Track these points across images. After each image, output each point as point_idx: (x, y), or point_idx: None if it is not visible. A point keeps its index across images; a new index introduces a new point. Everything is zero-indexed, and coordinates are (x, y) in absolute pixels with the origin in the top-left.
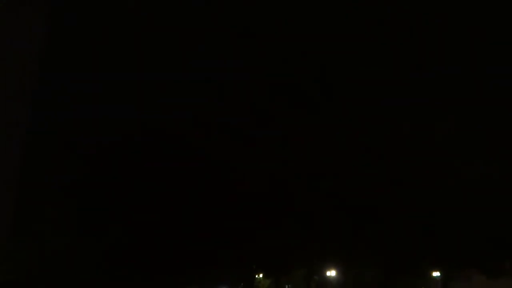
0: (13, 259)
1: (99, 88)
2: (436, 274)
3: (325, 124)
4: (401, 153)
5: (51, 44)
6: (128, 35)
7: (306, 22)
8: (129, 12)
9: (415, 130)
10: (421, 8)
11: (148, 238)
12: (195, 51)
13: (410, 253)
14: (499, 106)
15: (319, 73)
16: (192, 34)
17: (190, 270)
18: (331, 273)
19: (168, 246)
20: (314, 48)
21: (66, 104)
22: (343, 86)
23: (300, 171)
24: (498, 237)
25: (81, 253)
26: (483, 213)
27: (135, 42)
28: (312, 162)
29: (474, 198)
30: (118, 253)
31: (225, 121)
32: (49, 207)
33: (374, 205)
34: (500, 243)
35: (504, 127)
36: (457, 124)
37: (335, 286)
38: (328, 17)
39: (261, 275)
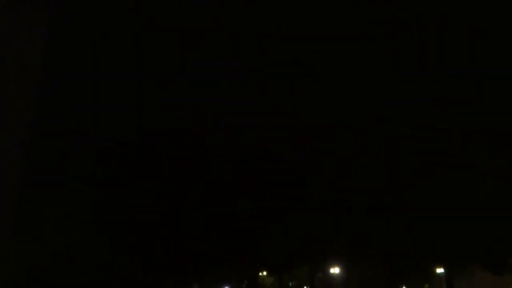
0: (16, 259)
1: (101, 87)
2: (440, 270)
3: (328, 124)
4: (405, 151)
5: (52, 44)
6: (128, 35)
7: (306, 22)
8: (129, 12)
9: (418, 128)
10: (421, 8)
11: (152, 237)
12: (194, 51)
13: (414, 250)
14: (500, 105)
15: (322, 72)
16: (192, 34)
17: (195, 268)
18: (335, 270)
19: (173, 245)
20: (314, 47)
21: (67, 104)
22: (343, 85)
23: (303, 170)
24: (501, 233)
25: (83, 253)
26: (487, 210)
27: (135, 42)
28: (315, 161)
29: (478, 195)
30: (122, 253)
31: (231, 122)
32: (51, 207)
33: (378, 203)
34: (504, 239)
35: (506, 126)
36: (459, 122)
37: (338, 283)
38: (328, 17)
39: (264, 273)
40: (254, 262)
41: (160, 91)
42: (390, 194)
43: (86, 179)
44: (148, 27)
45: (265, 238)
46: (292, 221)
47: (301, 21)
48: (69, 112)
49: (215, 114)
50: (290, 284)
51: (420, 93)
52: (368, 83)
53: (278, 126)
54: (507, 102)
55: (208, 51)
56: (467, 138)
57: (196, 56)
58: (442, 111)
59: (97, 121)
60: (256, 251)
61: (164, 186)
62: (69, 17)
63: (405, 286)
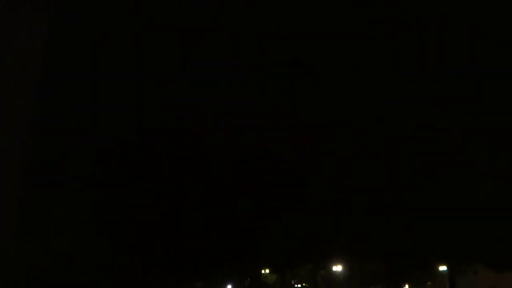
0: (18, 259)
1: (100, 87)
2: (442, 268)
3: (328, 124)
4: (406, 150)
5: (52, 44)
6: (128, 35)
7: (305, 22)
8: (129, 12)
9: (418, 128)
10: (421, 8)
11: (153, 236)
12: (194, 51)
13: (416, 248)
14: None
15: (322, 72)
16: (192, 34)
17: (197, 266)
18: (337, 268)
19: (174, 244)
20: (314, 48)
21: (67, 104)
22: (343, 85)
23: (303, 169)
24: (505, 231)
25: (85, 253)
26: (490, 208)
27: (135, 42)
28: (316, 161)
29: (480, 192)
30: (123, 252)
31: (231, 122)
32: (54, 207)
33: (379, 202)
34: (507, 237)
35: (506, 126)
36: (460, 122)
37: (341, 281)
38: (328, 17)
39: (267, 271)
40: (256, 260)
41: (160, 91)
42: (391, 193)
43: (86, 179)
44: (148, 27)
45: (266, 237)
46: (293, 220)
47: (301, 21)
48: (69, 112)
49: (215, 114)
50: (293, 282)
51: (420, 93)
52: (368, 83)
53: (278, 126)
54: (507, 102)
55: (208, 51)
56: (468, 138)
57: (196, 56)
58: (443, 111)
59: (97, 121)
60: (258, 249)
61: (165, 186)
62: (68, 17)
63: (408, 284)
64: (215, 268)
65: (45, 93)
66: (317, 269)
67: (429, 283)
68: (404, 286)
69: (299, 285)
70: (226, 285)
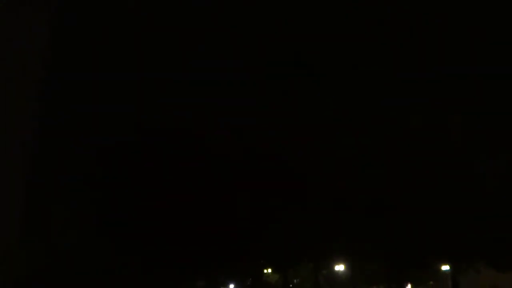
0: (22, 259)
1: (101, 88)
2: (445, 268)
3: (328, 124)
4: (408, 147)
5: (53, 44)
6: (129, 35)
7: (306, 22)
8: (129, 12)
9: (419, 127)
10: (421, 8)
11: (155, 236)
12: (194, 51)
13: (418, 247)
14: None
15: (322, 72)
16: (192, 34)
17: (199, 265)
18: (340, 267)
19: (177, 243)
20: (314, 47)
21: (67, 104)
22: (343, 85)
23: (304, 169)
24: (507, 230)
25: (88, 252)
26: (492, 206)
27: (135, 42)
28: (316, 160)
29: (483, 191)
30: (126, 252)
31: (231, 122)
32: (56, 207)
33: (382, 199)
34: (510, 236)
35: (507, 125)
36: (461, 121)
37: (343, 280)
38: (328, 17)
39: (269, 270)
40: (258, 260)
41: (161, 91)
42: (392, 193)
43: (87, 179)
44: (149, 27)
45: (268, 236)
46: (294, 219)
47: (301, 21)
48: (70, 112)
49: (215, 114)
50: (295, 281)
51: (420, 93)
52: (368, 83)
53: (278, 126)
54: (508, 102)
55: (208, 51)
56: (469, 137)
57: (196, 56)
58: (443, 111)
59: (98, 121)
60: (259, 249)
61: (166, 186)
62: (68, 17)
63: (410, 283)
64: (217, 267)
65: (47, 93)
66: (319, 268)
67: (431, 282)
68: (407, 285)
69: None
70: (228, 284)
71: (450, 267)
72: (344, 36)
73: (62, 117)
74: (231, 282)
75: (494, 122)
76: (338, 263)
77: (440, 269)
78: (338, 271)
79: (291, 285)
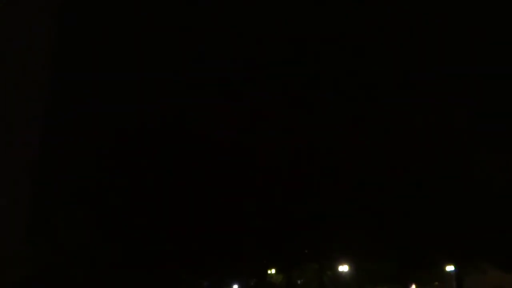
0: (27, 258)
1: (101, 88)
2: (450, 268)
3: (330, 123)
4: (414, 148)
5: (58, 46)
6: (129, 35)
7: (306, 22)
8: (129, 13)
9: (427, 127)
10: (421, 8)
11: (162, 235)
12: (198, 50)
13: (424, 248)
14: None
15: (322, 72)
16: (192, 34)
17: (203, 265)
18: (344, 268)
19: (182, 243)
20: (315, 47)
21: (74, 105)
22: (343, 86)
23: (312, 168)
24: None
25: (96, 250)
26: (498, 207)
27: (135, 42)
28: (323, 158)
29: (488, 193)
30: (133, 250)
31: (231, 122)
32: (63, 207)
33: (387, 200)
34: None
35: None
36: (469, 121)
37: (347, 281)
38: (328, 17)
39: (273, 271)
40: (262, 260)
41: (160, 91)
42: (397, 193)
43: (92, 180)
44: (149, 27)
45: (273, 237)
46: (298, 219)
47: (301, 21)
48: (73, 113)
49: (215, 114)
50: (299, 282)
51: (420, 93)
52: (368, 83)
53: (280, 126)
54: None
55: (208, 51)
56: (474, 138)
57: (196, 56)
58: (448, 111)
59: (101, 122)
60: (264, 249)
61: (172, 186)
62: (68, 17)
63: (415, 284)
64: (221, 267)
65: (52, 94)
66: (324, 269)
67: (436, 283)
68: (411, 286)
69: None
70: (232, 284)
71: (455, 267)
72: (344, 36)
73: (67, 119)
74: (235, 282)
75: (497, 122)
76: (342, 263)
77: (445, 270)
78: (343, 271)
79: (295, 286)
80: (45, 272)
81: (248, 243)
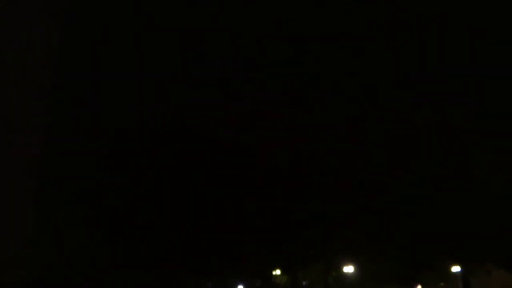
0: (32, 259)
1: (101, 88)
2: (455, 269)
3: (333, 123)
4: (418, 148)
5: (62, 43)
6: (129, 35)
7: (306, 23)
8: (129, 13)
9: (432, 126)
10: (421, 8)
11: (167, 234)
12: (198, 50)
13: (429, 248)
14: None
15: (322, 72)
16: (195, 35)
17: (207, 265)
18: (349, 268)
19: (186, 242)
20: (314, 47)
21: (68, 105)
22: (343, 86)
23: (317, 168)
24: None
25: (100, 251)
26: (504, 208)
27: (136, 42)
28: (324, 159)
29: (494, 193)
30: (139, 249)
31: (232, 122)
32: (67, 208)
33: (392, 200)
34: None
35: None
36: (471, 120)
37: (353, 281)
38: (328, 17)
39: (278, 272)
40: (266, 261)
41: (160, 91)
42: (403, 194)
43: (96, 181)
44: (149, 27)
45: (277, 238)
46: (303, 220)
47: (301, 21)
48: (77, 114)
49: (215, 114)
50: (304, 283)
51: (420, 93)
52: (368, 83)
53: (280, 126)
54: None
55: (208, 51)
56: (479, 138)
57: (196, 56)
58: (452, 110)
59: (100, 121)
60: (269, 249)
61: (177, 186)
62: (68, 17)
63: (421, 284)
64: (226, 268)
65: (56, 95)
66: (329, 270)
67: (442, 284)
68: (417, 287)
69: None
70: (237, 285)
71: (461, 268)
72: (343, 36)
73: (67, 119)
74: (240, 283)
75: (497, 122)
76: (347, 264)
77: (451, 270)
78: (348, 272)
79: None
80: (47, 272)
81: (248, 243)
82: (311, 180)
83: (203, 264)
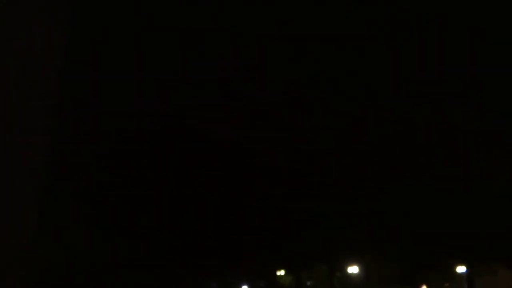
0: (38, 258)
1: (101, 88)
2: (461, 269)
3: (334, 122)
4: (422, 147)
5: (61, 43)
6: (136, 35)
7: (306, 23)
8: (129, 13)
9: (435, 126)
10: (421, 8)
11: (170, 234)
12: (198, 50)
13: (434, 248)
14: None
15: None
16: (195, 35)
17: (211, 265)
18: (353, 269)
19: (190, 242)
20: (314, 47)
21: (85, 106)
22: (343, 86)
23: (321, 168)
24: None
25: (104, 251)
26: (509, 207)
27: (135, 42)
28: (324, 159)
29: (496, 192)
30: (142, 249)
31: (233, 122)
32: (72, 208)
33: (397, 200)
34: None
35: None
36: (474, 120)
37: (357, 282)
38: (327, 17)
39: (282, 272)
40: (271, 261)
41: (160, 91)
42: (407, 194)
43: (100, 181)
44: (149, 27)
45: (282, 238)
46: (307, 220)
47: (301, 21)
48: (82, 115)
49: (215, 114)
50: (308, 284)
51: (420, 93)
52: (368, 83)
53: (280, 126)
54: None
55: (208, 51)
56: (482, 137)
57: (196, 56)
58: (454, 109)
59: (100, 121)
60: (264, 248)
61: (180, 187)
62: (70, 18)
63: (425, 285)
64: (230, 268)
65: (62, 95)
66: (333, 270)
67: (446, 284)
68: (422, 287)
69: None
70: (241, 286)
71: (466, 268)
72: (344, 36)
73: (68, 119)
74: (244, 283)
75: (497, 122)
76: (352, 264)
77: (456, 271)
78: (352, 273)
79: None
80: (50, 272)
81: (248, 242)
82: (311, 180)
83: (204, 264)
